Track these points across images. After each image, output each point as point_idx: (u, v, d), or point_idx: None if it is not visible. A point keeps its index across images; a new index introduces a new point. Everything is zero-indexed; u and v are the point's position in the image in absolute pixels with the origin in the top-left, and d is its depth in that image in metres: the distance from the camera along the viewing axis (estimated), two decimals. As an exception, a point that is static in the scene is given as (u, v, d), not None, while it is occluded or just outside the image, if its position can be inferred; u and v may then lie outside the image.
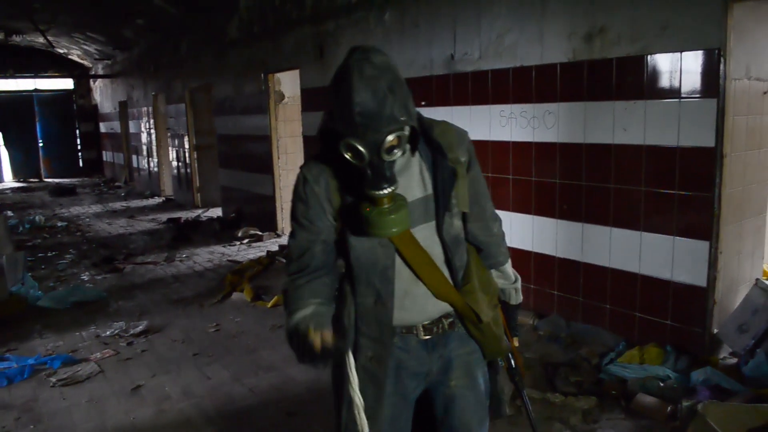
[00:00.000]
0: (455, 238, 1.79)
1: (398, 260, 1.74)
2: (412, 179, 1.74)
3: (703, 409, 2.92)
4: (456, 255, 1.79)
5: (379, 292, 1.75)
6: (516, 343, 2.08)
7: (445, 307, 1.81)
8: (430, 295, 1.78)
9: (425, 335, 1.82)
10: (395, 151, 1.58)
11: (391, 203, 1.60)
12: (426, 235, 1.75)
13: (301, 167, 1.81)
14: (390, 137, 1.54)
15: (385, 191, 1.57)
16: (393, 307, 1.76)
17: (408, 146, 1.66)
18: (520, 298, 2.08)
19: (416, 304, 1.78)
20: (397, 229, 1.62)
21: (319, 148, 1.77)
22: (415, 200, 1.73)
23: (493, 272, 1.98)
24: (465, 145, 1.81)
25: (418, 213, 1.73)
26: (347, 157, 1.57)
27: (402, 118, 1.57)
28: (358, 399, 1.73)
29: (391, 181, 1.59)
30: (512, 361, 2.04)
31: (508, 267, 2.02)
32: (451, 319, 1.84)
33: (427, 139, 1.74)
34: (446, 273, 1.79)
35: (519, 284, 2.06)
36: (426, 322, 1.81)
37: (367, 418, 1.74)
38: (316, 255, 1.77)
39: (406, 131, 1.59)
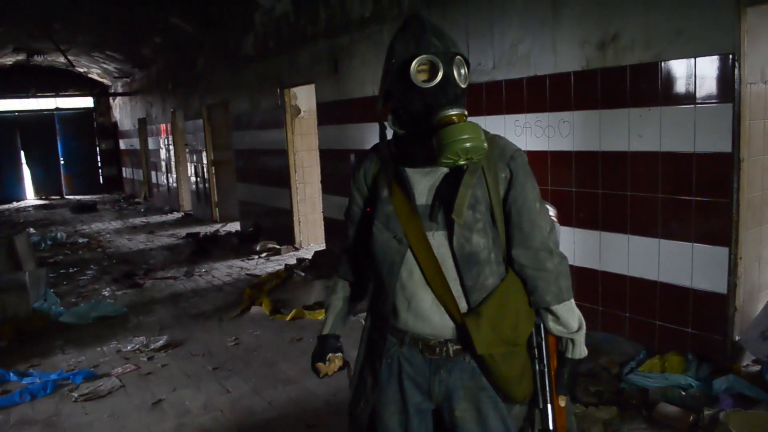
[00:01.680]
0: (471, 255, 1.68)
1: (411, 260, 1.73)
2: (434, 185, 1.74)
3: (726, 418, 2.89)
4: (468, 274, 1.69)
5: (384, 284, 1.78)
6: (562, 403, 1.77)
7: (451, 328, 1.72)
8: (438, 306, 1.71)
9: (429, 354, 1.75)
10: (464, 72, 1.70)
11: (462, 121, 1.60)
12: (440, 242, 1.70)
13: (360, 157, 1.94)
14: (458, 57, 1.68)
15: (457, 110, 1.60)
16: (393, 303, 1.77)
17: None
18: (582, 352, 1.80)
19: (422, 309, 1.73)
20: (470, 139, 1.54)
21: (378, 120, 1.82)
22: (434, 204, 1.73)
23: (549, 316, 1.75)
24: (506, 160, 1.72)
25: (438, 218, 1.71)
26: (417, 81, 1.65)
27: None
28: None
29: (461, 105, 1.65)
30: (550, 422, 1.75)
31: (563, 311, 1.74)
32: (457, 347, 1.73)
33: None
34: (459, 289, 1.70)
35: (580, 336, 1.78)
36: (431, 340, 1.74)
37: (375, 417, 1.86)
38: (359, 235, 1.92)
39: (465, 64, 1.72)
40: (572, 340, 1.78)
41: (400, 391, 1.80)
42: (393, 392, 1.81)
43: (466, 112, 1.62)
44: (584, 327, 1.79)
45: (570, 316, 1.75)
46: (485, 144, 1.58)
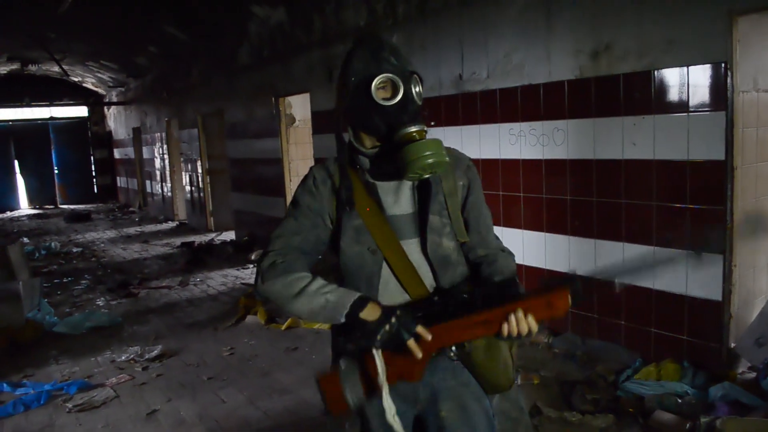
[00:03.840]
0: (444, 258, 1.80)
1: (386, 270, 1.77)
2: (403, 195, 1.81)
3: (722, 425, 2.89)
4: (444, 276, 1.79)
5: None
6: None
7: None
8: None
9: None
10: (419, 90, 1.77)
11: (423, 138, 1.69)
12: (415, 249, 1.79)
13: (312, 167, 1.91)
14: (414, 75, 1.76)
15: (417, 127, 1.69)
16: None
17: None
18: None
19: None
20: (433, 156, 1.64)
21: (336, 134, 1.84)
22: (405, 215, 1.80)
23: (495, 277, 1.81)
24: (463, 170, 1.87)
25: (407, 227, 1.79)
26: (378, 100, 1.70)
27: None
28: (388, 405, 1.69)
29: (420, 119, 1.72)
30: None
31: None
32: None
33: None
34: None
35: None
36: None
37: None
38: (309, 241, 1.81)
39: (419, 82, 1.79)
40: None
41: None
42: (377, 405, 1.76)
43: (425, 128, 1.71)
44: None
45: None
46: (447, 158, 1.69)
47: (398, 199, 1.81)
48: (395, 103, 1.71)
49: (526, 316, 1.61)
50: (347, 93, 1.77)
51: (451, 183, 1.83)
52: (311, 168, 1.90)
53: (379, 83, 1.71)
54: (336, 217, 1.83)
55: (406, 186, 1.81)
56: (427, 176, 1.72)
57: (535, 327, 1.63)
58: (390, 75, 1.71)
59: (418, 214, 1.80)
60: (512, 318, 1.60)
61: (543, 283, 1.67)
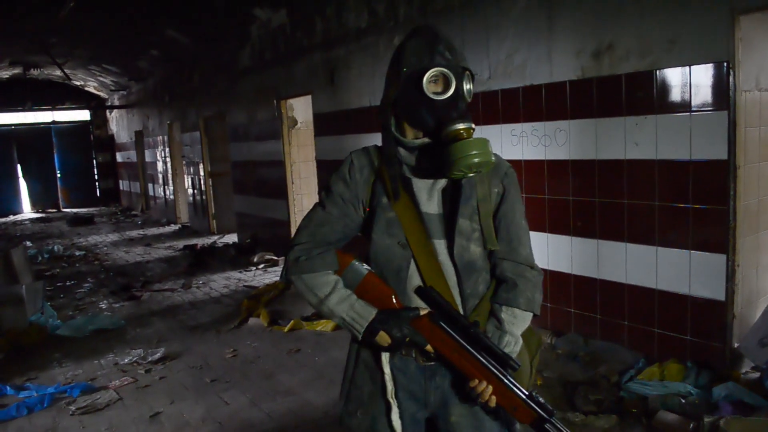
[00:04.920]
0: (469, 264, 1.76)
1: (413, 266, 1.75)
2: (436, 194, 1.78)
3: (726, 425, 2.89)
4: (467, 281, 1.77)
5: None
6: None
7: None
8: None
9: (424, 361, 1.77)
10: (470, 87, 1.73)
11: (471, 136, 1.65)
12: (442, 251, 1.76)
13: (352, 153, 1.86)
14: (467, 72, 1.72)
15: (466, 124, 1.65)
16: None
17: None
18: (509, 351, 1.76)
19: None
20: (479, 155, 1.61)
21: (381, 126, 1.80)
22: (436, 214, 1.77)
23: (507, 316, 1.77)
24: (500, 176, 1.82)
25: (437, 227, 1.77)
26: (429, 93, 1.67)
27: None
28: (392, 401, 1.76)
29: (469, 119, 1.67)
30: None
31: (523, 318, 1.79)
32: None
33: None
34: (458, 297, 1.77)
35: (515, 346, 1.78)
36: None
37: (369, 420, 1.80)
38: (336, 231, 1.80)
39: (472, 79, 1.76)
40: (508, 338, 1.78)
41: (396, 402, 1.79)
42: (381, 404, 1.79)
43: (473, 126, 1.67)
44: (521, 342, 1.81)
45: (522, 326, 1.81)
46: (493, 158, 1.66)
47: (431, 197, 1.78)
48: (446, 99, 1.68)
49: (494, 392, 1.65)
50: (397, 83, 1.73)
51: (486, 188, 1.79)
52: (351, 153, 1.86)
53: (431, 77, 1.68)
54: (369, 206, 1.80)
55: (439, 185, 1.78)
56: (471, 176, 1.69)
57: (492, 404, 1.66)
58: (443, 69, 1.68)
59: (448, 216, 1.76)
60: (482, 384, 1.65)
61: (533, 392, 1.69)
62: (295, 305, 5.88)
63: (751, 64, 3.57)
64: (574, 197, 4.42)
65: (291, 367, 4.66)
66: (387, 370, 1.76)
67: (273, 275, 7.73)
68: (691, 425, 3.16)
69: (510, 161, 4.73)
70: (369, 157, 1.83)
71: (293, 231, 8.39)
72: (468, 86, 1.73)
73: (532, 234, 4.64)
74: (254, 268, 8.28)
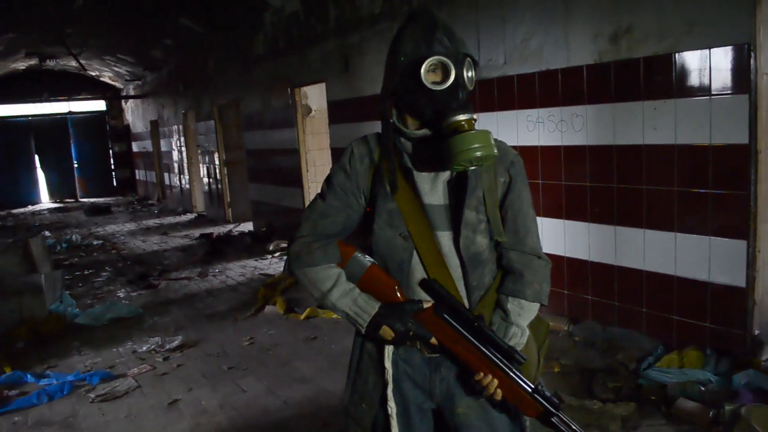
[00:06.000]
0: (475, 256, 1.73)
1: (416, 258, 1.72)
2: (439, 184, 1.74)
3: (747, 413, 2.86)
4: (473, 274, 1.73)
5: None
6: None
7: None
8: None
9: (429, 352, 1.74)
10: (471, 74, 1.67)
11: (472, 128, 1.60)
12: (446, 243, 1.73)
13: (353, 142, 1.83)
14: (468, 58, 1.66)
15: (467, 115, 1.59)
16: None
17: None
18: (520, 342, 1.75)
19: None
20: (481, 148, 1.55)
21: (380, 115, 1.76)
22: (440, 205, 1.73)
23: (514, 307, 1.75)
24: (506, 165, 1.77)
25: (441, 219, 1.73)
26: (428, 83, 1.62)
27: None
28: (391, 404, 1.75)
29: (470, 109, 1.61)
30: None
31: (530, 309, 1.76)
32: None
33: None
34: (462, 288, 1.74)
35: (525, 332, 1.76)
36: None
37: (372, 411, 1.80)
38: (337, 223, 1.77)
39: (473, 66, 1.70)
40: (515, 329, 1.75)
41: (400, 392, 1.78)
42: (396, 394, 1.78)
43: (475, 117, 1.62)
44: (528, 333, 1.79)
45: (529, 317, 1.78)
46: (495, 151, 1.60)
47: (434, 188, 1.73)
48: (445, 88, 1.62)
49: (499, 385, 1.64)
50: (395, 73, 1.68)
51: (492, 178, 1.74)
52: (351, 143, 1.82)
53: (430, 66, 1.62)
54: (370, 195, 1.77)
55: (443, 175, 1.74)
56: (472, 168, 1.64)
57: (497, 397, 1.65)
58: (441, 58, 1.61)
59: (453, 208, 1.72)
60: (486, 378, 1.64)
61: (541, 386, 1.68)
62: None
63: (774, 46, 3.49)
64: (591, 183, 4.37)
65: (307, 354, 4.67)
66: (388, 365, 1.75)
67: (288, 263, 7.74)
68: (711, 413, 3.12)
69: (526, 147, 4.76)
70: (369, 146, 1.79)
71: (308, 219, 8.41)
72: (469, 74, 1.68)
73: (549, 221, 4.64)
74: (270, 256, 8.30)
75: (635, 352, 3.97)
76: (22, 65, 15.58)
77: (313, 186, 8.44)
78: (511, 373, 1.64)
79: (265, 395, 4.03)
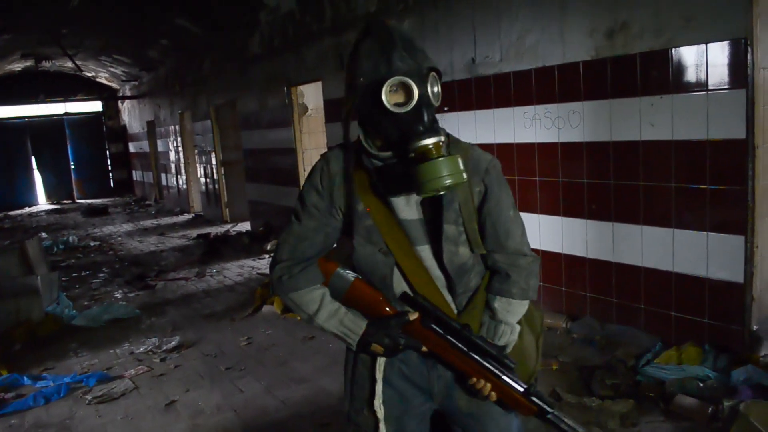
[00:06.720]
0: (460, 267, 1.70)
1: (398, 273, 1.70)
2: (413, 199, 1.69)
3: (746, 409, 2.84)
4: (459, 282, 1.72)
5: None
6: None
7: None
8: None
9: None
10: (437, 90, 1.59)
11: (440, 154, 1.50)
12: (427, 256, 1.71)
13: (322, 156, 1.77)
14: (432, 73, 1.57)
15: (434, 139, 1.50)
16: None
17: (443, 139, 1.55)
18: (510, 341, 1.76)
19: None
20: (450, 176, 1.47)
21: (343, 139, 1.70)
22: (416, 220, 1.70)
23: (501, 305, 1.74)
24: (480, 175, 1.70)
25: (418, 233, 1.70)
26: (390, 106, 1.52)
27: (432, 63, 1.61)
28: (380, 410, 1.75)
29: (437, 130, 1.52)
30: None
31: (518, 306, 1.75)
32: None
33: None
34: (448, 296, 1.73)
35: (516, 328, 1.76)
36: None
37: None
38: (316, 244, 1.73)
39: (438, 79, 1.61)
40: (507, 325, 1.75)
41: (398, 395, 1.77)
42: (393, 396, 1.78)
43: (443, 138, 1.54)
44: (517, 329, 1.78)
45: (518, 314, 1.77)
46: (465, 176, 1.52)
47: (408, 203, 1.69)
48: (409, 110, 1.52)
49: (493, 388, 1.64)
50: (355, 93, 1.59)
51: (466, 190, 1.68)
52: (320, 158, 1.77)
53: (390, 87, 1.52)
54: (346, 211, 1.72)
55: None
56: (442, 193, 1.57)
57: (493, 399, 1.66)
58: (403, 78, 1.52)
59: (429, 222, 1.68)
60: (480, 382, 1.64)
61: (533, 386, 1.69)
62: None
63: (770, 40, 3.48)
64: (588, 180, 4.36)
65: (305, 354, 4.65)
66: (379, 376, 1.74)
67: (286, 263, 7.72)
68: (710, 409, 3.11)
69: (523, 144, 4.75)
70: (340, 162, 1.72)
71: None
72: (435, 89, 1.58)
73: (547, 218, 4.63)
74: (267, 255, 8.28)
75: (633, 349, 3.96)
76: (18, 66, 15.53)
77: (310, 185, 8.41)
78: (503, 377, 1.64)
79: (263, 395, 4.01)
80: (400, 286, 1.71)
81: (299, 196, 1.78)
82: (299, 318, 1.74)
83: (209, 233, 10.32)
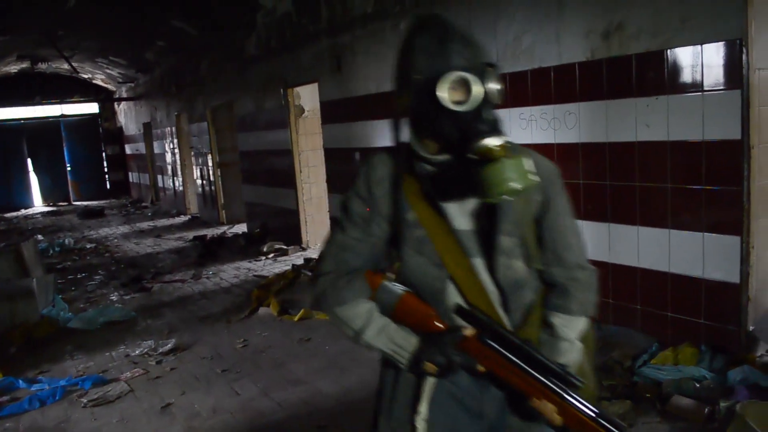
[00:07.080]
0: (515, 282, 1.58)
1: (452, 288, 1.57)
2: (466, 209, 1.58)
3: (742, 410, 2.84)
4: (513, 297, 1.59)
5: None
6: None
7: None
8: None
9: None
10: (498, 87, 1.46)
11: (507, 155, 1.38)
12: (480, 270, 1.58)
13: (368, 161, 1.64)
14: (490, 68, 1.45)
15: (500, 139, 1.37)
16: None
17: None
18: (570, 359, 1.62)
19: None
20: (519, 180, 1.36)
21: (393, 141, 1.58)
22: (469, 230, 1.58)
23: (560, 321, 1.62)
24: (541, 184, 1.54)
25: (471, 244, 1.58)
26: (449, 104, 1.41)
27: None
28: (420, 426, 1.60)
29: (500, 128, 1.40)
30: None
31: (578, 323, 1.65)
32: None
33: None
34: (502, 312, 1.60)
35: (573, 352, 1.63)
36: None
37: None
38: (361, 255, 1.62)
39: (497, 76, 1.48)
40: (565, 344, 1.63)
41: (445, 416, 1.63)
42: (440, 418, 1.63)
43: (507, 139, 1.41)
44: (580, 347, 1.67)
45: (578, 329, 1.66)
46: (536, 179, 1.43)
47: (462, 212, 1.56)
48: (470, 108, 1.40)
49: (557, 411, 1.46)
50: (408, 92, 1.47)
51: (525, 199, 1.55)
52: (367, 161, 1.63)
53: (449, 84, 1.40)
54: (394, 218, 1.59)
55: (470, 199, 1.57)
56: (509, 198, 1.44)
57: (557, 423, 1.47)
58: (462, 74, 1.40)
59: (484, 233, 1.56)
60: (544, 404, 1.47)
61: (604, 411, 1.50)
62: (304, 294, 5.87)
63: (765, 41, 3.47)
64: (584, 181, 4.36)
65: (302, 356, 4.64)
66: (425, 395, 1.59)
67: (283, 264, 7.72)
68: (707, 410, 3.11)
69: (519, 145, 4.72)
70: (387, 167, 1.60)
71: (302, 220, 8.41)
72: (496, 86, 1.46)
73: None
74: (264, 257, 8.27)
75: (630, 350, 3.95)
76: (14, 68, 15.51)
77: (306, 187, 8.42)
78: (568, 398, 1.47)
79: (260, 398, 4.00)
80: (453, 300, 1.58)
81: (342, 205, 1.66)
82: (345, 333, 1.62)
83: (206, 235, 10.30)
